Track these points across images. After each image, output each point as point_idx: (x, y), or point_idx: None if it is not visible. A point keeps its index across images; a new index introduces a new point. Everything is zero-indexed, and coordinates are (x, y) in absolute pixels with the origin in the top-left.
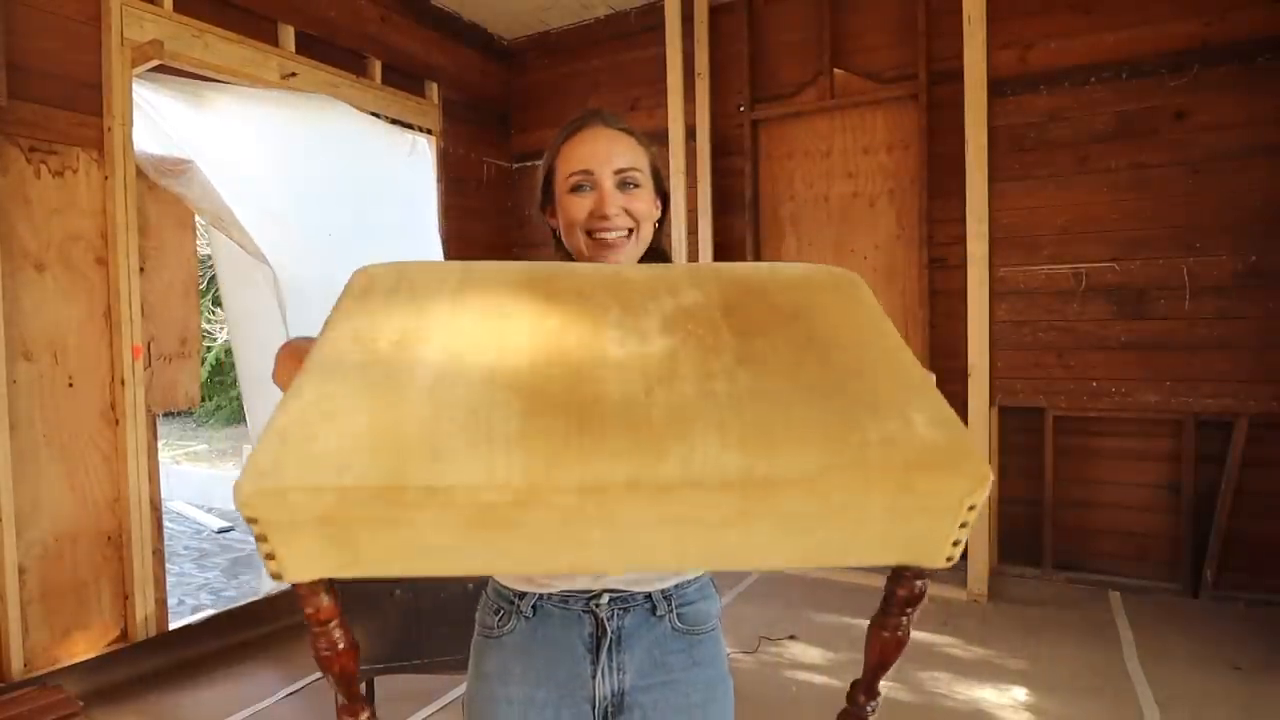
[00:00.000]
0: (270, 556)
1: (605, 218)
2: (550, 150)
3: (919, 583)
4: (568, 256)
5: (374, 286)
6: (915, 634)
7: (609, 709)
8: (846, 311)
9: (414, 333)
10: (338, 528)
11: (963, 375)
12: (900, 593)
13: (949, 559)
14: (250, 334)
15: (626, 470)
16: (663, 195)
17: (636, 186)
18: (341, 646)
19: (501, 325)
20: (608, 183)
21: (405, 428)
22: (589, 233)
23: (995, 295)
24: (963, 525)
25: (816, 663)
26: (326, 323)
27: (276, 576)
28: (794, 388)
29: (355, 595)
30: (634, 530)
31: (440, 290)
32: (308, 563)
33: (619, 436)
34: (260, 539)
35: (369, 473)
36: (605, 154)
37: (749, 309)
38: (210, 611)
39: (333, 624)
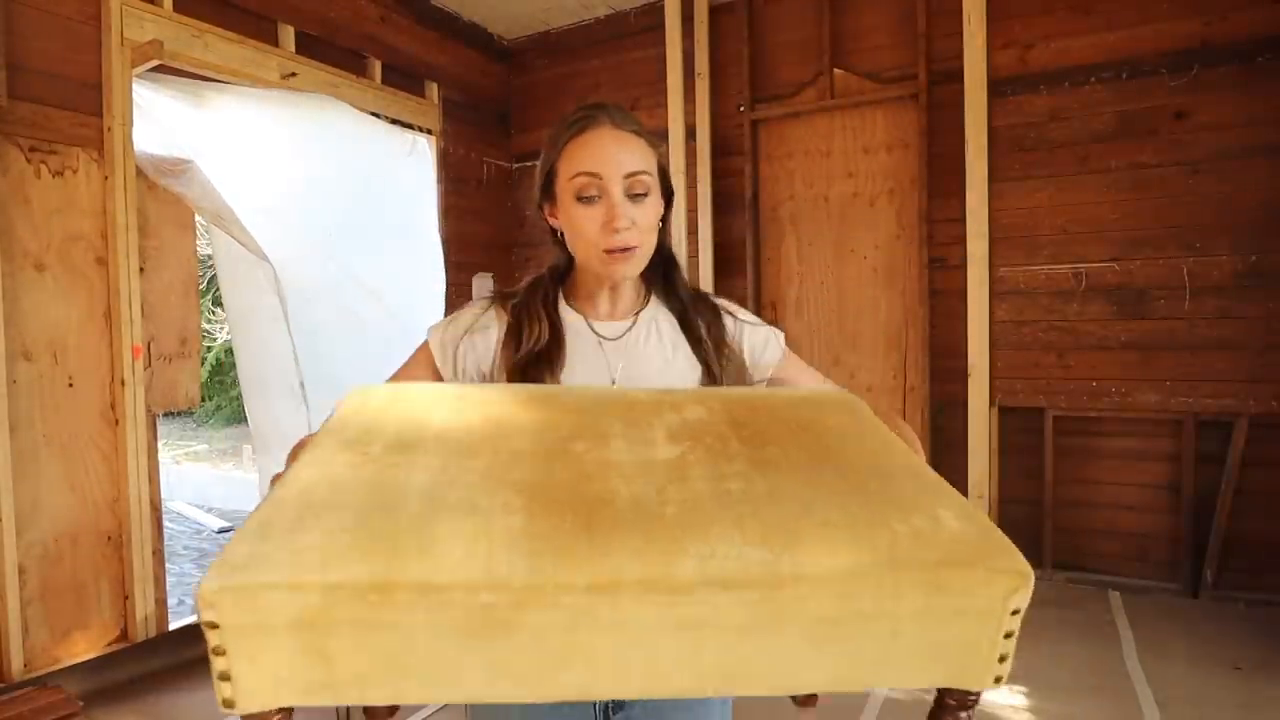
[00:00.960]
0: (224, 677)
1: (615, 230)
2: (552, 146)
3: (964, 714)
4: (568, 255)
5: (368, 402)
6: None
7: (610, 705)
8: (853, 425)
9: (410, 436)
10: (314, 635)
11: (963, 375)
12: None
13: (998, 679)
14: (251, 333)
15: (640, 568)
16: (668, 194)
17: (645, 195)
18: None
19: (501, 430)
20: (616, 190)
21: (398, 524)
22: (603, 250)
23: (995, 295)
24: (1008, 636)
25: None
26: (322, 426)
27: (227, 706)
28: (813, 489)
29: None
30: (647, 638)
31: (438, 404)
32: (269, 684)
33: (631, 534)
34: (216, 653)
35: (356, 568)
36: (614, 159)
37: (756, 422)
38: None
39: None
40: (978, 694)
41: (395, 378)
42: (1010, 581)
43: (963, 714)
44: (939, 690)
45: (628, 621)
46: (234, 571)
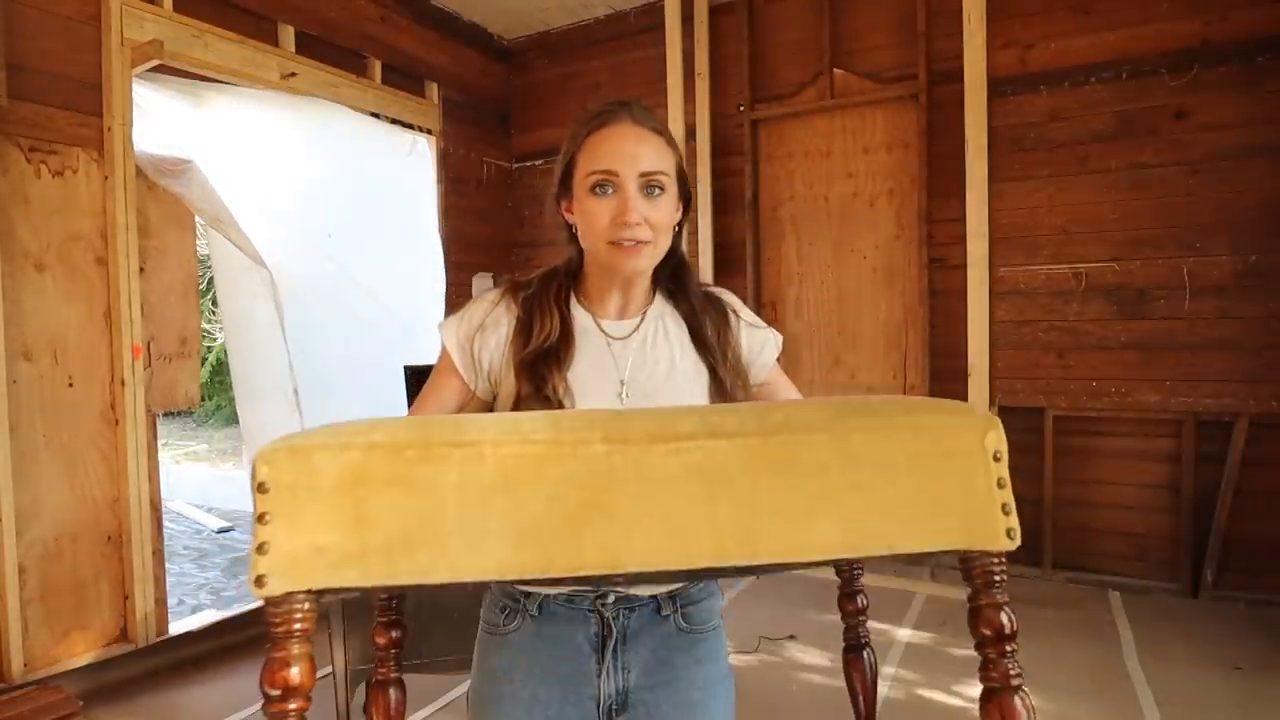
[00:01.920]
0: (262, 549)
1: (626, 224)
2: (573, 140)
3: (997, 578)
4: (580, 252)
5: None
6: (913, 634)
7: (613, 707)
8: None
9: None
10: (354, 493)
11: (963, 375)
12: (985, 633)
13: (1010, 533)
14: (246, 339)
15: (646, 425)
16: (685, 198)
17: (661, 192)
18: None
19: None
20: (631, 186)
21: (429, 418)
22: (609, 241)
23: (995, 295)
24: (1001, 485)
25: (816, 663)
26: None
27: (258, 585)
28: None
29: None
30: (662, 488)
31: None
32: (304, 556)
33: (640, 419)
34: (261, 520)
35: (396, 434)
36: (632, 155)
37: None
38: (210, 612)
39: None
40: (1001, 562)
41: (426, 394)
42: (981, 422)
43: (996, 581)
44: (961, 561)
45: (642, 471)
46: (287, 439)
